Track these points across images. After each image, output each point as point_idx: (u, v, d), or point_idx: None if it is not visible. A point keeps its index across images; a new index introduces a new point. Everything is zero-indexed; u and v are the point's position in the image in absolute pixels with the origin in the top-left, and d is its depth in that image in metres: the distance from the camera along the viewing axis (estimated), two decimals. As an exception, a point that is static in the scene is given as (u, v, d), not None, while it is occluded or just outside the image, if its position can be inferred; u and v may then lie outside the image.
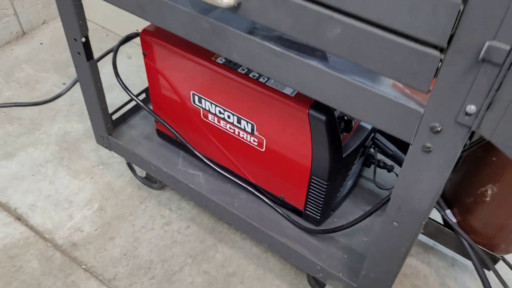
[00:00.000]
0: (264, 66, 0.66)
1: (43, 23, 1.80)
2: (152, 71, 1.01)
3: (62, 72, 1.61)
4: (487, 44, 0.45)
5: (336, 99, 0.62)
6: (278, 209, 1.01)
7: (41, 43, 1.72)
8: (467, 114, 0.51)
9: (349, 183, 1.04)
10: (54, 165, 1.33)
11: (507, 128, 0.49)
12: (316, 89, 0.63)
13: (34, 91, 1.54)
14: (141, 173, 1.28)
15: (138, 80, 1.56)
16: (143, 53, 0.98)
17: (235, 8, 0.62)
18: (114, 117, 1.15)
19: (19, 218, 1.20)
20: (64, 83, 1.56)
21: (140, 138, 1.17)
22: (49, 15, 1.80)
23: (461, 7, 0.45)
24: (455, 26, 0.47)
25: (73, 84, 1.28)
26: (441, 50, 0.49)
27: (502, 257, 0.97)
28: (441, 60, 0.50)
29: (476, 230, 0.94)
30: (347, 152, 0.90)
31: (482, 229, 0.93)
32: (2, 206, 1.22)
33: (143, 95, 1.20)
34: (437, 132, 0.55)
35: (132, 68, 1.62)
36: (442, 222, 1.00)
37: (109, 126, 1.11)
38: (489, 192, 0.86)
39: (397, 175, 1.06)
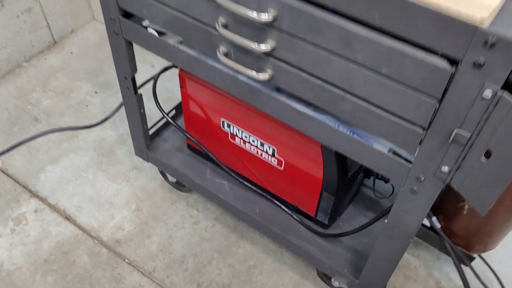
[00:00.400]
0: (289, 119, 0.85)
1: (71, 32, 1.96)
2: (187, 100, 1.19)
3: (93, 81, 1.79)
4: (455, 131, 0.64)
5: (344, 149, 0.81)
6: (293, 215, 1.21)
7: (71, 52, 1.89)
8: (442, 172, 0.71)
9: (352, 192, 1.24)
10: (94, 170, 1.52)
11: (469, 184, 0.68)
12: (329, 140, 0.82)
13: (69, 100, 1.72)
14: (172, 178, 1.47)
15: (161, 88, 1.74)
16: (180, 86, 1.17)
17: (269, 80, 0.80)
18: (150, 132, 1.34)
19: (68, 218, 1.40)
20: (96, 92, 1.74)
21: (172, 150, 1.36)
22: (76, 24, 1.96)
23: (437, 106, 0.64)
24: (433, 116, 0.66)
25: (118, 109, 1.44)
26: (424, 128, 0.68)
27: (479, 255, 1.18)
28: (424, 135, 0.69)
29: (456, 234, 1.14)
30: (351, 172, 1.10)
31: (460, 234, 1.13)
32: (52, 208, 1.42)
33: (173, 111, 1.39)
34: (421, 181, 0.74)
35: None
36: (429, 226, 1.20)
37: (148, 143, 1.30)
38: (466, 206, 1.06)
39: (393, 186, 1.26)
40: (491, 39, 0.54)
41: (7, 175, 1.48)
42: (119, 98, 1.72)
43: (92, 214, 1.41)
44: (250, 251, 1.35)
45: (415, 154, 0.72)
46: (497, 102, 0.58)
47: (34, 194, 1.44)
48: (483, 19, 0.57)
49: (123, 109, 1.66)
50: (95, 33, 1.98)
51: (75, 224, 1.39)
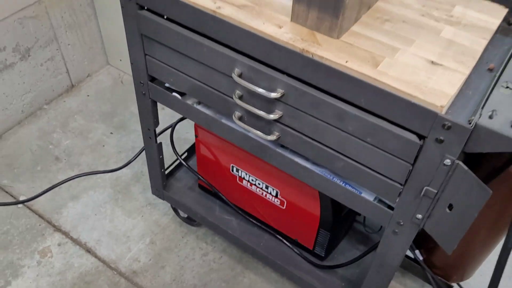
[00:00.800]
0: (292, 171, 1.02)
1: (87, 76, 2.14)
2: (200, 147, 1.36)
3: (108, 122, 1.96)
4: (425, 188, 0.82)
5: (338, 197, 0.99)
6: (293, 248, 1.37)
7: (88, 95, 2.07)
8: (417, 218, 0.88)
9: (346, 227, 1.40)
10: (111, 206, 1.68)
11: (437, 229, 0.86)
12: (325, 189, 1.00)
13: (87, 140, 1.89)
14: (183, 214, 1.63)
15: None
16: (195, 135, 1.34)
17: (275, 141, 0.98)
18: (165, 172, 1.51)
19: (89, 251, 1.55)
20: (111, 132, 1.91)
21: (185, 189, 1.53)
22: (92, 69, 2.14)
23: (411, 168, 0.82)
24: (408, 175, 0.83)
25: (137, 155, 1.60)
26: (402, 184, 0.86)
27: (457, 284, 1.34)
28: (402, 189, 0.86)
29: (436, 265, 1.30)
30: (345, 211, 1.27)
31: (440, 265, 1.30)
32: (74, 241, 1.57)
33: (185, 154, 1.56)
34: (401, 225, 0.91)
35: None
36: (413, 258, 1.37)
37: (164, 183, 1.47)
38: (443, 242, 1.23)
39: (380, 222, 1.43)
40: (448, 123, 0.72)
41: (33, 211, 1.64)
42: (132, 139, 1.89)
43: (110, 247, 1.57)
44: (254, 280, 1.50)
45: (395, 204, 0.90)
46: (455, 168, 0.76)
47: (57, 229, 1.60)
48: (442, 107, 0.75)
49: (137, 150, 1.83)
50: (108, 77, 2.16)
51: (96, 256, 1.54)
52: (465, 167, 0.75)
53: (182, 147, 1.82)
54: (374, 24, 0.92)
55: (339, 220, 1.26)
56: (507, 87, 0.80)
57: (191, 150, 1.59)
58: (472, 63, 0.84)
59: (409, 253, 1.32)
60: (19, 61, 1.79)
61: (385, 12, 0.95)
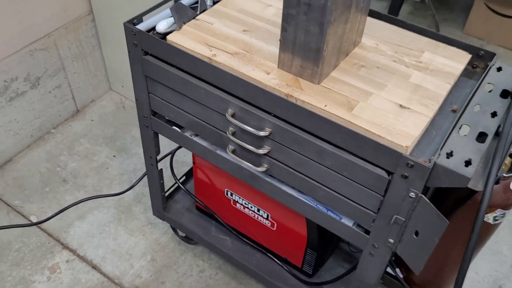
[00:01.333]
0: (280, 198, 1.14)
1: (91, 101, 2.26)
2: (198, 172, 1.48)
3: (111, 146, 2.08)
4: (394, 216, 0.93)
5: (321, 222, 1.10)
6: (283, 266, 1.48)
7: (92, 120, 2.19)
8: (389, 242, 0.99)
9: (332, 246, 1.52)
10: (115, 225, 1.79)
11: (406, 252, 0.97)
12: (309, 214, 1.11)
13: (92, 162, 2.00)
14: (181, 233, 1.74)
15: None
16: (193, 162, 1.46)
17: (265, 171, 1.09)
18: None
19: (95, 267, 1.66)
20: (114, 155, 2.03)
21: (183, 210, 1.64)
22: (96, 95, 2.27)
23: (382, 198, 0.93)
24: (380, 205, 0.95)
25: (139, 180, 1.71)
26: (375, 212, 0.98)
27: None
28: (375, 217, 0.98)
29: (415, 282, 1.42)
30: (330, 233, 1.38)
31: (418, 282, 1.41)
32: (81, 258, 1.68)
33: (183, 177, 1.68)
34: (376, 247, 1.03)
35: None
36: (394, 274, 1.48)
37: (164, 205, 1.58)
38: (420, 261, 1.34)
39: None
40: (411, 162, 0.84)
41: (42, 229, 1.75)
42: (134, 161, 2.01)
43: (114, 263, 1.67)
44: (248, 296, 1.61)
45: (371, 228, 1.01)
46: (418, 201, 0.88)
47: (65, 247, 1.71)
48: (407, 147, 0.87)
49: (139, 172, 1.94)
50: (111, 102, 2.29)
51: (101, 272, 1.65)
52: (427, 200, 0.87)
53: (180, 169, 1.94)
54: (351, 70, 1.04)
55: (325, 241, 1.37)
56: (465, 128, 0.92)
57: (189, 173, 1.70)
58: (436, 106, 0.97)
59: (390, 270, 1.43)
60: (29, 90, 1.92)
61: (361, 58, 1.08)
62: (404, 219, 0.93)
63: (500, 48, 2.62)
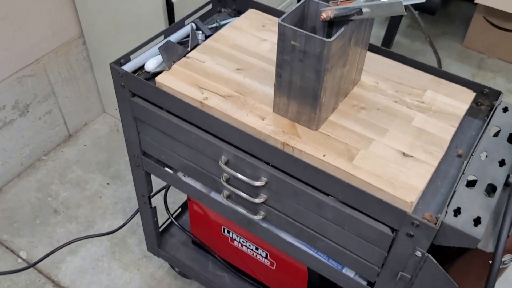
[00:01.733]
0: (279, 245, 1.08)
1: (84, 125, 2.21)
2: (193, 208, 1.42)
3: (105, 172, 2.02)
4: (400, 273, 0.88)
5: (321, 271, 1.05)
6: (283, 305, 1.42)
7: (85, 145, 2.13)
8: (394, 297, 0.94)
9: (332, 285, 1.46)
10: (108, 259, 1.73)
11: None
12: (309, 263, 1.06)
13: (84, 191, 1.94)
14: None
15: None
16: (188, 199, 1.40)
17: (262, 219, 1.04)
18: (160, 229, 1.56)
19: (87, 305, 1.60)
20: (108, 183, 1.97)
21: (179, 245, 1.58)
22: (88, 118, 2.21)
23: (386, 254, 0.88)
24: (384, 260, 0.89)
25: (134, 215, 1.63)
26: (379, 267, 0.92)
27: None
28: (379, 271, 0.92)
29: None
30: (331, 271, 1.32)
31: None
32: (73, 295, 1.62)
33: (179, 209, 1.62)
34: (380, 301, 0.97)
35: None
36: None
37: (158, 242, 1.52)
38: None
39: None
40: (416, 222, 0.79)
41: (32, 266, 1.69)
42: (128, 189, 1.95)
43: (108, 301, 1.62)
44: (247, 333, 1.55)
45: (375, 282, 0.96)
46: (425, 260, 0.82)
47: (56, 284, 1.65)
48: (412, 202, 0.81)
49: (134, 201, 1.89)
50: (104, 125, 2.23)
51: (94, 310, 1.59)
52: (434, 261, 0.81)
53: (177, 197, 1.88)
54: (350, 112, 0.99)
55: (327, 281, 1.31)
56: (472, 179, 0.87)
57: (184, 206, 1.65)
58: (441, 153, 0.91)
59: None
60: (18, 118, 1.86)
61: (361, 99, 1.02)
62: (410, 277, 0.87)
63: (501, 61, 2.56)
